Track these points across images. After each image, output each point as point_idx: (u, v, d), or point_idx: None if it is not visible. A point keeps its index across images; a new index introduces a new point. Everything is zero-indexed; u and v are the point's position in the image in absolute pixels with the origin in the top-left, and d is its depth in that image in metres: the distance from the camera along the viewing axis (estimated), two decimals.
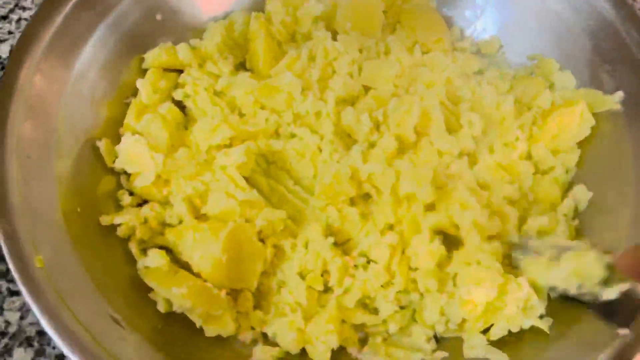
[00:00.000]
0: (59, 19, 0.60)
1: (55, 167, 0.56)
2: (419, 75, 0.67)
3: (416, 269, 0.57)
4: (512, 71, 0.72)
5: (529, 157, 0.65)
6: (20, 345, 0.55)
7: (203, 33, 0.71)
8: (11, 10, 0.78)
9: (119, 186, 0.62)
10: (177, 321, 0.54)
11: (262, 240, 0.58)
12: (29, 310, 0.57)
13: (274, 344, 0.55)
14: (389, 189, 0.59)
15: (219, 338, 0.54)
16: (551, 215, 0.61)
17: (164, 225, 0.60)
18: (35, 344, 0.56)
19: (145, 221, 0.58)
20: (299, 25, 0.71)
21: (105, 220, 0.57)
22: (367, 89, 0.67)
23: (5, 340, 0.56)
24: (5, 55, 0.74)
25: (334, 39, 0.68)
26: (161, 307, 0.54)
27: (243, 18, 0.71)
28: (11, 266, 0.47)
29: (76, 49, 0.62)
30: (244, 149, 0.60)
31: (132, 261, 0.57)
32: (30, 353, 0.55)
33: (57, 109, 0.59)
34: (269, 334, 0.55)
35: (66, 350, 0.44)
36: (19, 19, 0.77)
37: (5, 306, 0.57)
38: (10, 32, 0.76)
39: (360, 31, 0.70)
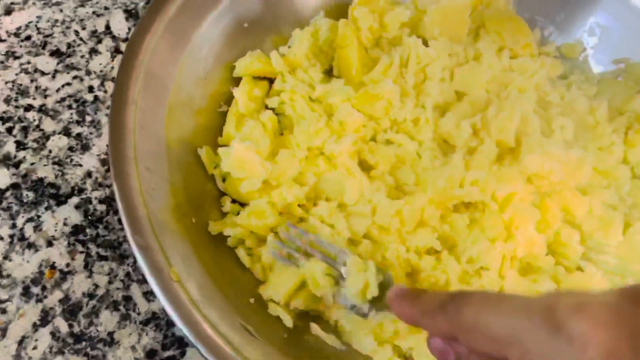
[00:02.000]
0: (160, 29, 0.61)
1: (169, 177, 0.56)
2: (511, 81, 0.68)
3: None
4: (597, 75, 0.73)
5: (625, 161, 0.65)
6: (107, 308, 0.58)
7: (287, 40, 0.72)
8: None
9: (220, 192, 0.62)
10: (302, 333, 0.54)
11: None
12: (116, 275, 0.60)
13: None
14: (490, 195, 0.60)
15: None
16: None
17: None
18: (122, 308, 0.58)
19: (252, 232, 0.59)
20: (385, 31, 0.71)
21: (213, 229, 0.58)
22: (459, 94, 0.68)
23: (94, 302, 0.58)
24: (100, 29, 0.76)
25: (424, 44, 0.69)
26: (288, 322, 0.54)
27: (328, 25, 0.71)
28: (150, 280, 0.47)
29: (174, 61, 0.62)
30: (353, 139, 0.61)
31: (245, 268, 0.58)
32: (116, 316, 0.57)
33: (162, 119, 0.59)
34: (403, 348, 0.55)
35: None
36: None
37: (94, 269, 0.60)
38: (106, 8, 0.78)
39: (447, 37, 0.70)
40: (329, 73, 0.72)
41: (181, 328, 0.45)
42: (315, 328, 0.55)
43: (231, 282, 0.54)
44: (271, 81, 0.69)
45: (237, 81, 0.68)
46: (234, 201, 0.61)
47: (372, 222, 0.59)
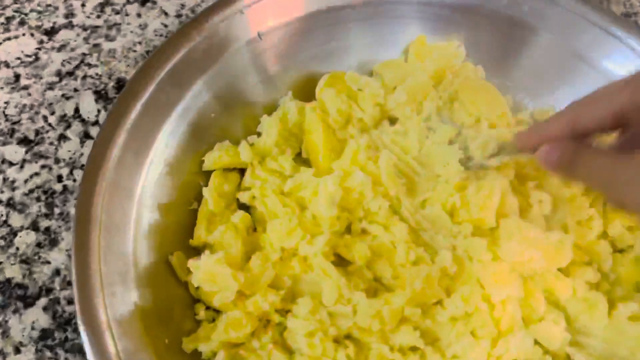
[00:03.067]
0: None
1: (137, 297, 0.54)
2: None
3: None
4: None
5: (604, 235, 0.64)
6: None
7: (258, 120, 0.70)
8: (77, 67, 0.77)
9: (193, 299, 0.60)
10: None
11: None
12: None
13: None
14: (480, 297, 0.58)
15: None
16: (638, 297, 0.60)
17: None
18: None
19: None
20: (354, 111, 0.70)
21: (187, 347, 0.56)
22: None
23: None
24: (69, 112, 0.74)
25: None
26: None
27: (296, 108, 0.70)
28: None
29: (139, 166, 0.61)
30: (326, 239, 0.59)
31: None
32: None
33: (129, 235, 0.57)
34: None
35: None
36: (85, 76, 0.76)
37: None
38: (76, 90, 0.75)
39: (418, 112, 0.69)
40: (300, 156, 0.71)
41: None
42: None
43: None
44: (242, 171, 0.68)
45: (207, 174, 0.66)
46: (207, 307, 0.60)
47: (353, 323, 0.58)
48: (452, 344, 0.57)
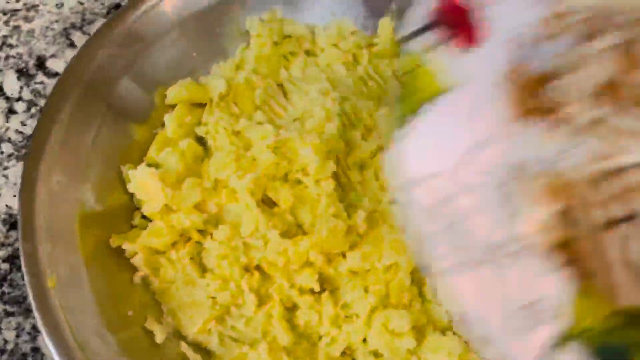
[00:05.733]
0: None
1: (79, 192, 0.63)
2: None
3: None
4: None
5: None
6: None
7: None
8: None
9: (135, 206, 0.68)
10: (170, 350, 0.59)
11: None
12: (23, 329, 0.64)
13: None
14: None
15: None
16: None
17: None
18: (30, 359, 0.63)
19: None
20: None
21: (114, 242, 0.63)
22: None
23: (5, 357, 0.63)
24: None
25: None
26: (159, 338, 0.59)
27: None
28: (27, 283, 0.53)
29: (114, 81, 0.69)
30: (255, 177, 0.65)
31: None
32: None
33: (88, 136, 0.66)
34: None
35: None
36: (7, 57, 0.83)
37: (2, 326, 0.65)
38: None
39: None
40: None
41: (42, 332, 0.51)
42: (184, 346, 0.60)
43: (116, 293, 0.60)
44: None
45: None
46: (144, 217, 0.67)
47: (263, 256, 0.64)
48: (346, 294, 0.62)
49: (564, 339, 0.41)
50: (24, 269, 0.54)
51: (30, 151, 0.60)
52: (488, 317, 0.43)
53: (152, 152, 0.69)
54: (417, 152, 0.47)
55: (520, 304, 0.42)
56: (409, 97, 0.51)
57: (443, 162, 0.45)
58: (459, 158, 0.44)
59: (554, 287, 0.41)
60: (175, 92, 0.71)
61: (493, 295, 0.43)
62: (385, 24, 0.77)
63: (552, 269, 0.40)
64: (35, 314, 0.52)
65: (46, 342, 0.51)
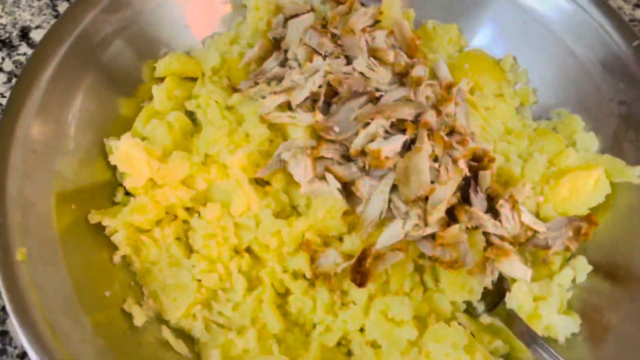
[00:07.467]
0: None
1: (57, 163, 0.58)
2: None
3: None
4: (534, 124, 0.70)
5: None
6: None
7: None
8: None
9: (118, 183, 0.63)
10: (150, 334, 0.55)
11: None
12: None
13: None
14: None
15: None
16: (545, 282, 0.58)
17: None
18: None
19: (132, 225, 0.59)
20: None
21: (93, 218, 0.58)
22: None
23: None
24: None
25: None
26: (138, 321, 0.54)
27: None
28: None
29: (97, 52, 0.64)
30: (247, 152, 0.60)
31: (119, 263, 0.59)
32: None
33: (69, 104, 0.61)
34: None
35: (25, 343, 0.46)
36: None
37: None
38: None
39: None
40: None
41: (8, 310, 0.46)
42: (166, 331, 0.55)
43: (92, 272, 0.55)
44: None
45: None
46: (128, 194, 0.62)
47: (254, 237, 0.59)
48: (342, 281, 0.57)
49: None
50: None
51: (5, 115, 0.55)
52: None
53: (137, 125, 0.65)
54: None
55: None
56: None
57: None
58: None
59: None
60: (165, 64, 0.67)
61: None
62: None
63: None
64: (1, 288, 0.47)
65: (12, 320, 0.46)
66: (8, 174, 0.53)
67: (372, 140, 0.57)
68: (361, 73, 0.64)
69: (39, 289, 0.49)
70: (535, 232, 0.59)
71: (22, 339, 0.46)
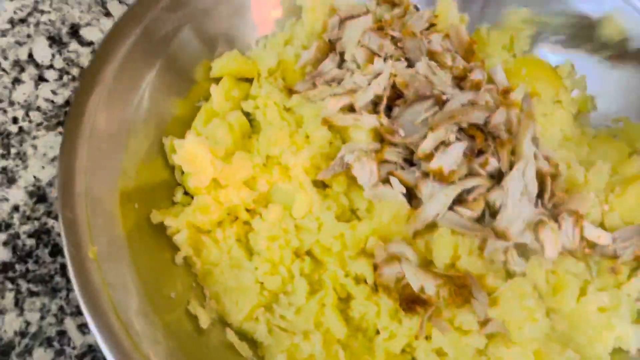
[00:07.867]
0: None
1: (122, 161, 0.57)
2: None
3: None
4: (593, 131, 0.69)
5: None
6: (40, 345, 0.56)
7: None
8: (29, 14, 0.78)
9: (176, 183, 0.63)
10: (214, 336, 0.54)
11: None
12: (49, 310, 0.58)
13: None
14: None
15: None
16: (613, 293, 0.57)
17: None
18: (56, 344, 0.57)
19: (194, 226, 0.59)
20: None
21: (155, 218, 0.58)
22: None
23: (26, 340, 0.57)
24: (23, 58, 0.75)
25: None
26: (203, 323, 0.54)
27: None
28: (66, 253, 0.48)
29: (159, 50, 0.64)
30: (311, 153, 0.60)
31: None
32: (50, 353, 0.56)
33: (131, 102, 0.60)
34: None
35: (101, 344, 0.45)
36: (38, 23, 0.77)
37: (25, 307, 0.58)
38: (29, 36, 0.76)
39: None
40: None
41: (82, 309, 0.46)
42: (230, 334, 0.55)
43: (158, 272, 0.55)
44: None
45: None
46: (187, 193, 0.62)
47: (316, 240, 0.59)
48: None
49: None
50: (63, 237, 0.48)
51: (71, 113, 0.55)
52: None
53: (197, 124, 0.64)
54: None
55: None
56: None
57: None
58: None
59: None
60: (222, 64, 0.66)
61: None
62: None
63: None
64: (75, 288, 0.47)
65: (87, 321, 0.46)
66: (76, 171, 0.53)
67: (443, 143, 0.57)
68: (425, 76, 0.63)
69: (112, 288, 0.48)
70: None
71: (98, 339, 0.45)
